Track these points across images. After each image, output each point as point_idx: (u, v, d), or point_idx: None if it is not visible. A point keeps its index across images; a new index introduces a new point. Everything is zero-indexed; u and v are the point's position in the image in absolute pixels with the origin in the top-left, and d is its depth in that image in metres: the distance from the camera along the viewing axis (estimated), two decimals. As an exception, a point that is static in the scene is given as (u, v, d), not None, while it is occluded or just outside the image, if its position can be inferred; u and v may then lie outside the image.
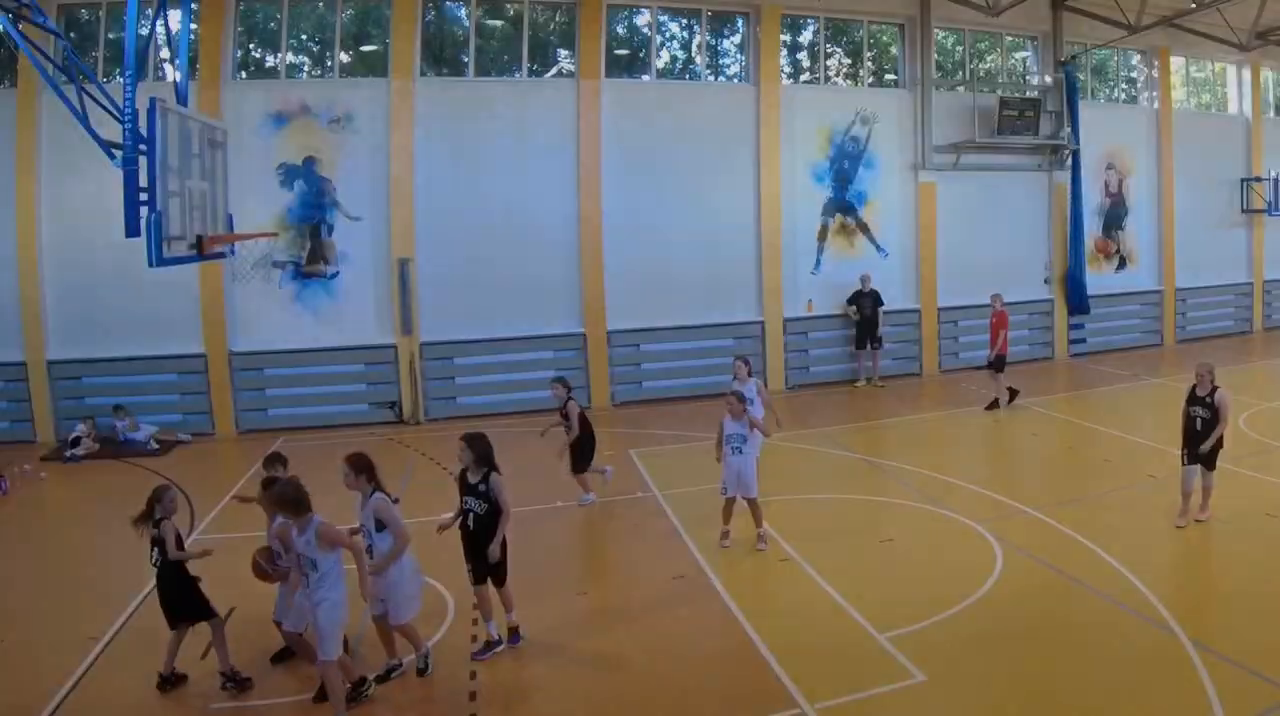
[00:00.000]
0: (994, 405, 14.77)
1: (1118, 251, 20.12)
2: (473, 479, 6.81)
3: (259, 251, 10.27)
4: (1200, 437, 8.78)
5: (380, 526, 6.22)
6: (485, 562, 6.79)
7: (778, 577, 8.27)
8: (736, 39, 17.55)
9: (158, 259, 6.91)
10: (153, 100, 6.93)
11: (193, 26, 13.00)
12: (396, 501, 6.40)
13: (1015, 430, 13.78)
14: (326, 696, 6.07)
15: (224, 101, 14.32)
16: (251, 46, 15.65)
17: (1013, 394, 14.82)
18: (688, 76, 17.34)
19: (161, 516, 6.34)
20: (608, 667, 6.74)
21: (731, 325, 16.80)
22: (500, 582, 6.93)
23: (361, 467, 6.31)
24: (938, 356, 18.14)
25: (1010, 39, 19.38)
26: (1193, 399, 8.90)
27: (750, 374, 9.88)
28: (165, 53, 13.52)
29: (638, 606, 7.88)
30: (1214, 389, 8.74)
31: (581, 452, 10.43)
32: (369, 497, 6.30)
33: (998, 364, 14.74)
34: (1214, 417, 8.71)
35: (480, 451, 6.80)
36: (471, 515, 6.79)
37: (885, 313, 17.14)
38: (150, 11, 9.55)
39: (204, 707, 6.20)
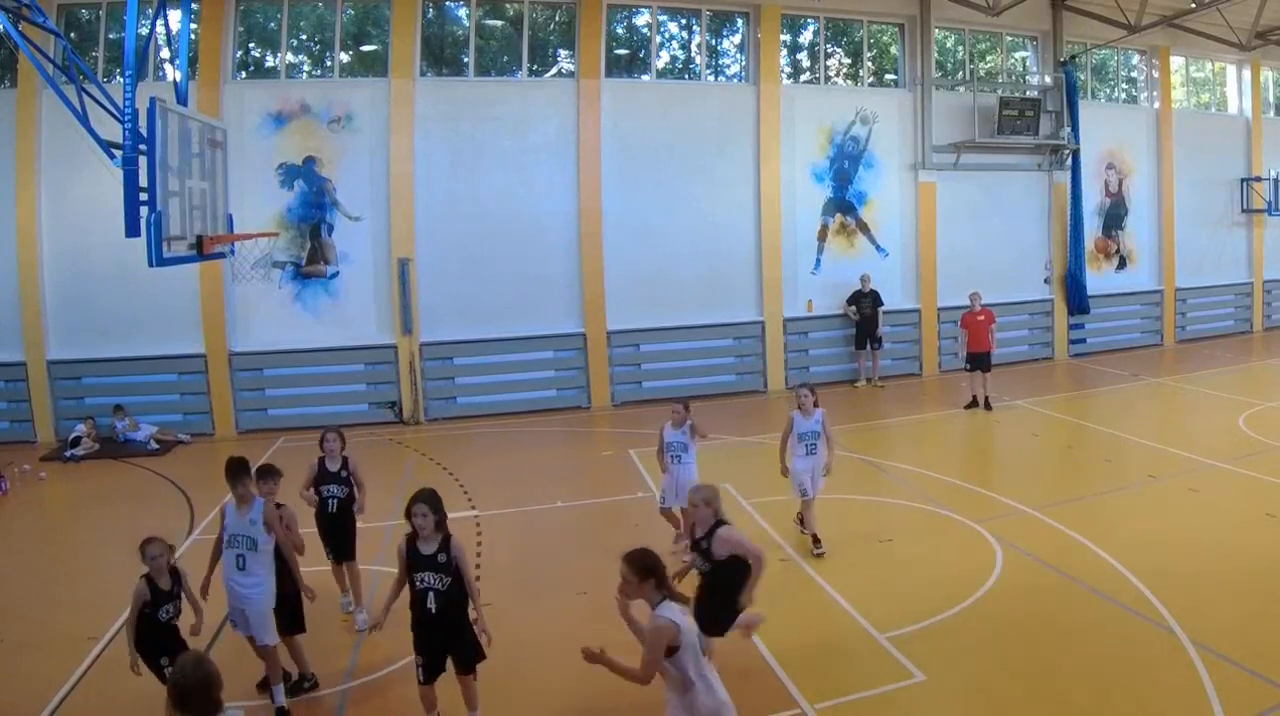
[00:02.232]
0: (974, 403, 14.90)
1: (1118, 251, 20.12)
2: (427, 549, 5.50)
3: (259, 251, 10.25)
4: (704, 595, 5.86)
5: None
6: (458, 647, 5.59)
7: (778, 578, 8.25)
8: (736, 39, 17.55)
9: (158, 259, 6.90)
10: (153, 100, 6.93)
11: (193, 26, 13.01)
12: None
13: (1015, 430, 13.78)
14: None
15: (224, 101, 14.33)
16: (251, 46, 15.64)
17: (976, 401, 14.93)
18: (688, 76, 17.34)
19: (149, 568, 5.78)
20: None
21: (731, 325, 16.80)
22: (470, 669, 5.68)
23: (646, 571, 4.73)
24: (938, 356, 18.13)
25: (1010, 39, 19.38)
26: (693, 542, 5.98)
27: (817, 404, 8.74)
28: (165, 53, 13.51)
29: (638, 606, 7.87)
30: (715, 526, 5.78)
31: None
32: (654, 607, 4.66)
33: (987, 363, 14.78)
34: (719, 571, 5.78)
35: (441, 513, 5.59)
36: (432, 595, 5.48)
37: (885, 313, 17.15)
38: (150, 11, 9.55)
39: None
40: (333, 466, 7.56)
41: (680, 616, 4.55)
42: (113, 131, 7.02)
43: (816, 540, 8.69)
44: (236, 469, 6.29)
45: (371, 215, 15.00)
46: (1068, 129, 18.60)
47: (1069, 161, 18.79)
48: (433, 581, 5.47)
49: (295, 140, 14.72)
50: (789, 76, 17.65)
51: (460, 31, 16.13)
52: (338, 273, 15.02)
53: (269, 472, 6.81)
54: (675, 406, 8.71)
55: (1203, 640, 6.50)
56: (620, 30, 16.89)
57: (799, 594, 7.86)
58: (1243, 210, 21.33)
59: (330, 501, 7.48)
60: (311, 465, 7.65)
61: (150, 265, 6.94)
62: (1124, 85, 21.06)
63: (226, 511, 6.34)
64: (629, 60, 17.03)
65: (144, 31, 9.78)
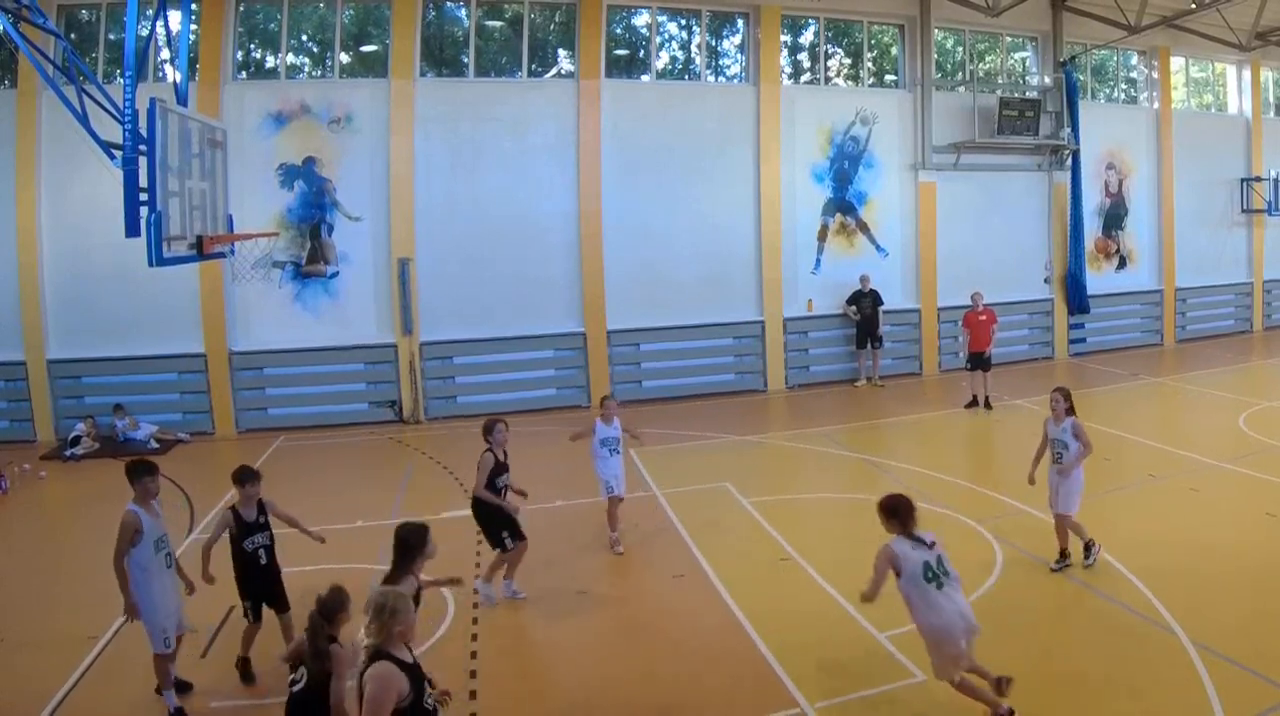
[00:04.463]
0: (975, 403, 14.93)
1: (1118, 251, 20.12)
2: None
3: (259, 251, 10.27)
4: None
5: None
6: None
7: (778, 577, 8.27)
8: (736, 39, 17.55)
9: (158, 259, 6.91)
10: (153, 100, 6.94)
11: (193, 27, 13.03)
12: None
13: (1015, 430, 13.76)
14: None
15: (224, 101, 14.34)
16: (251, 47, 15.65)
17: (976, 401, 14.96)
18: (687, 77, 17.34)
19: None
20: (607, 666, 6.73)
21: (731, 325, 16.81)
22: None
23: None
24: (938, 356, 18.13)
25: (1010, 39, 19.38)
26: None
27: (1068, 412, 8.05)
28: (165, 53, 13.52)
29: (637, 605, 7.88)
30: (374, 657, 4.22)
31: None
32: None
33: (987, 362, 14.82)
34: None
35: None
36: None
37: (885, 312, 17.16)
38: (150, 12, 9.56)
39: (205, 706, 6.22)
40: (500, 455, 8.08)
41: (910, 550, 5.60)
42: (113, 132, 7.02)
43: (1087, 548, 8.06)
44: (137, 470, 6.16)
45: (371, 215, 15.00)
46: (1068, 129, 18.60)
47: (1069, 161, 18.79)
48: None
49: (295, 140, 14.72)
50: (789, 77, 17.65)
51: (460, 32, 16.13)
52: (338, 272, 15.02)
53: (249, 476, 6.74)
54: (609, 402, 9.30)
55: (1203, 640, 6.50)
56: (620, 31, 16.89)
57: (799, 594, 7.86)
58: (1243, 210, 21.33)
59: (504, 490, 7.99)
60: (487, 460, 7.96)
61: (150, 265, 6.95)
62: (1124, 85, 21.06)
63: (141, 517, 6.02)
64: (629, 61, 17.02)
65: (144, 32, 9.80)
